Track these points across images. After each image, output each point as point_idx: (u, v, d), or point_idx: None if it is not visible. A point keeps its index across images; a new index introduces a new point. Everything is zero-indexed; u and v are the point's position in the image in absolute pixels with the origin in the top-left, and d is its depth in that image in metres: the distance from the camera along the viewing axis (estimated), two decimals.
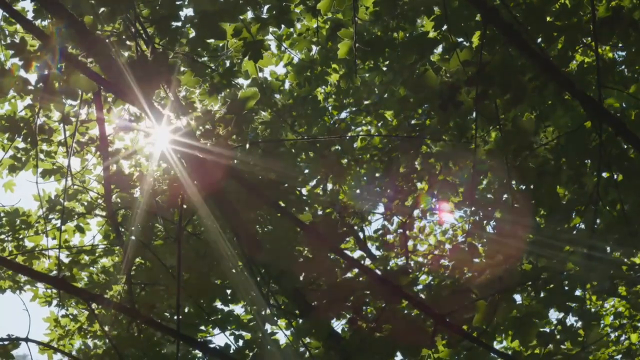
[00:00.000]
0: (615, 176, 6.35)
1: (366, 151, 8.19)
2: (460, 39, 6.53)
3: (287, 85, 8.82)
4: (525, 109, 6.38)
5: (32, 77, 6.63)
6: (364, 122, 8.71)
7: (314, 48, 8.39)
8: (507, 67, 5.86)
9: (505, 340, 6.88)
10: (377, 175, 7.96)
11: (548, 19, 5.86)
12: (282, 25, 7.38)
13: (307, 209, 7.67)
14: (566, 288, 6.71)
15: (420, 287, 7.96)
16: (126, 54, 6.54)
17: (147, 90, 6.15)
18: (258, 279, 7.05)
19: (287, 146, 8.04)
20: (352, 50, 7.05)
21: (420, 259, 9.16)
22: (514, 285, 6.51)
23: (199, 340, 7.48)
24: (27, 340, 8.17)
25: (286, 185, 7.30)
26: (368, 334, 6.39)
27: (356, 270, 6.50)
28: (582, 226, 6.71)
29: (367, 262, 9.37)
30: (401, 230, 8.69)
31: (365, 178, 8.28)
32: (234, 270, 7.31)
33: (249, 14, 7.07)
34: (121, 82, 5.99)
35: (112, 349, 7.42)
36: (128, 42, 6.66)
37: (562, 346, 6.99)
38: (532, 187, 6.67)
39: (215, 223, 7.39)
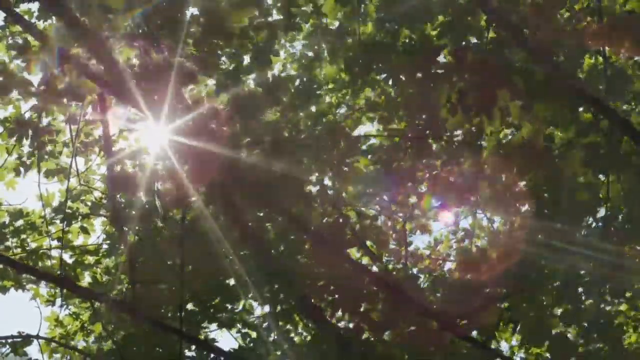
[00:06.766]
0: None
1: (369, 150, 8.11)
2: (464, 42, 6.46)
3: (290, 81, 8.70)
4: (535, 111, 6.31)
5: (35, 78, 6.63)
6: (367, 120, 8.62)
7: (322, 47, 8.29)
8: (514, 69, 5.83)
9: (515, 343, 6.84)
10: (379, 174, 7.89)
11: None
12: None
13: (316, 205, 7.60)
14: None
15: (425, 285, 7.92)
16: (130, 55, 6.48)
17: (150, 91, 6.13)
18: (265, 278, 7.02)
19: (292, 145, 7.98)
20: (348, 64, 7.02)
21: (421, 260, 9.14)
22: (522, 287, 6.47)
23: (202, 339, 7.44)
24: (37, 337, 8.20)
25: (290, 185, 7.23)
26: (375, 339, 6.36)
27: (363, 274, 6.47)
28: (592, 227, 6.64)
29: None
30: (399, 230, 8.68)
31: (367, 177, 8.20)
32: (239, 270, 7.27)
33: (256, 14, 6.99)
34: (123, 83, 5.96)
35: (115, 349, 7.39)
36: (132, 43, 6.60)
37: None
38: (540, 188, 6.62)
39: (219, 222, 7.35)
